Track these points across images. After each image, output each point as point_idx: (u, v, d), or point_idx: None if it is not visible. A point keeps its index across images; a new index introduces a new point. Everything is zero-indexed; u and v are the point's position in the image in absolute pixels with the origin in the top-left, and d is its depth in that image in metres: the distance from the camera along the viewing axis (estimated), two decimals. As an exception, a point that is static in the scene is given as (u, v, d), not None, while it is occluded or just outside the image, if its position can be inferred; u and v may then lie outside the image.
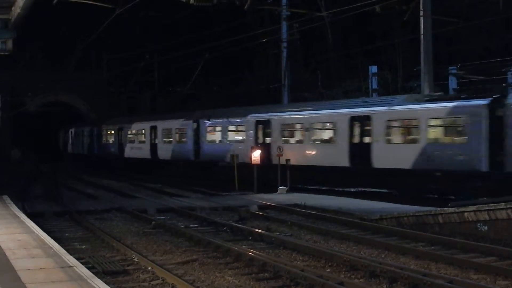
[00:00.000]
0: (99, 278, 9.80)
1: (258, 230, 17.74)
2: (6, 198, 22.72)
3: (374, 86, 36.56)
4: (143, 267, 13.18)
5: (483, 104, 22.68)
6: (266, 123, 31.91)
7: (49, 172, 47.49)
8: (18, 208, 20.12)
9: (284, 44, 39.34)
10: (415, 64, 33.43)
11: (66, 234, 17.91)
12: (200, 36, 46.72)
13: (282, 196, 27.13)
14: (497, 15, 34.00)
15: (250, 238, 17.06)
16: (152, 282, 12.03)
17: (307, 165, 29.07)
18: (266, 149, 30.78)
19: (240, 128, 33.90)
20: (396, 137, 25.86)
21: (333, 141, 28.22)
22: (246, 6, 27.72)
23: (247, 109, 34.39)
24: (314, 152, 28.88)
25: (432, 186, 24.73)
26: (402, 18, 30.04)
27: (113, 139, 48.72)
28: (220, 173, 34.91)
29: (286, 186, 28.44)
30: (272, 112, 32.23)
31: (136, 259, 13.94)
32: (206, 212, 22.74)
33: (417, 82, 34.08)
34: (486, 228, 16.43)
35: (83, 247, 15.91)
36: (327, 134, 28.98)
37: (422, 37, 29.62)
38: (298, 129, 30.38)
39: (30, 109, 63.11)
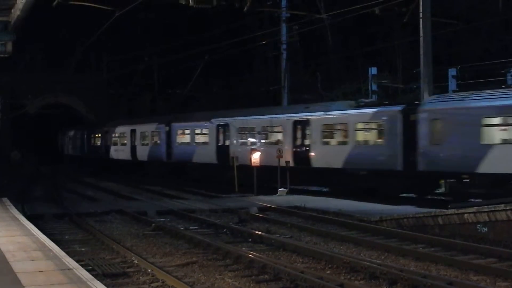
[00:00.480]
0: (99, 280, 9.80)
1: (258, 232, 17.73)
2: (5, 200, 22.73)
3: (374, 88, 36.57)
4: (143, 269, 13.17)
5: (398, 110, 25.57)
6: (225, 127, 34.74)
7: (49, 174, 47.50)
8: (18, 210, 20.13)
9: (284, 46, 39.37)
10: (414, 66, 33.44)
11: (66, 237, 17.90)
12: (200, 38, 46.74)
13: (282, 198, 27.14)
14: (497, 16, 34.03)
15: (250, 240, 17.06)
16: (152, 284, 12.03)
17: (260, 165, 30.41)
18: (225, 150, 34.03)
19: (204, 131, 36.69)
20: (330, 139, 28.85)
21: (280, 143, 30.85)
22: (245, 8, 27.75)
23: (212, 114, 37.13)
24: (264, 153, 30.31)
25: (360, 184, 26.72)
26: (402, 20, 30.05)
27: (99, 142, 52.16)
28: (189, 173, 38.11)
29: (286, 188, 28.45)
30: (231, 117, 34.83)
31: (136, 261, 13.93)
32: (206, 214, 22.74)
33: (417, 84, 34.09)
34: (486, 229, 16.43)
35: (83, 249, 15.90)
36: (275, 137, 31.92)
37: (421, 39, 29.63)
38: (251, 132, 33.07)
39: (30, 111, 63.10)
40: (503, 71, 33.81)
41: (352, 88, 43.08)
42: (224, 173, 32.95)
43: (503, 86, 31.63)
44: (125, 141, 46.26)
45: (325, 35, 45.24)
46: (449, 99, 24.98)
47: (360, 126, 27.10)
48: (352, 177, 26.55)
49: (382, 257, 14.67)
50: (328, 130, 28.72)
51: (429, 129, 24.17)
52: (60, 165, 60.99)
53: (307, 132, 29.49)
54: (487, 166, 21.94)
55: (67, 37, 60.37)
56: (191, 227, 19.69)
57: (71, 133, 61.60)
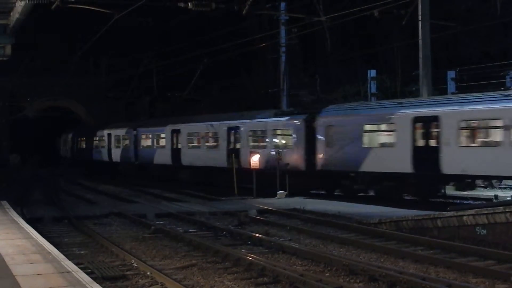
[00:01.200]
0: (98, 283, 9.79)
1: (257, 235, 17.74)
2: (5, 203, 22.70)
3: (373, 90, 36.59)
4: (142, 272, 13.17)
5: (302, 119, 29.96)
6: (178, 132, 39.20)
7: (48, 177, 47.51)
8: (17, 213, 20.10)
9: (283, 49, 39.38)
10: (414, 68, 33.47)
11: (65, 239, 17.90)
12: (199, 41, 46.75)
13: (281, 200, 27.14)
14: (495, 19, 34.05)
15: (249, 242, 17.06)
16: (151, 287, 12.03)
17: (201, 165, 36.61)
18: (177, 153, 38.87)
19: (162, 135, 41.34)
20: (254, 144, 33.01)
21: (217, 147, 35.52)
22: (244, 11, 27.75)
23: (168, 120, 42.29)
24: (205, 156, 36.06)
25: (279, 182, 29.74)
26: (401, 22, 30.05)
27: (84, 145, 56.68)
28: (152, 173, 43.31)
29: (285, 191, 28.46)
30: (182, 123, 39.44)
31: (135, 264, 13.93)
32: (205, 216, 22.74)
33: (416, 86, 34.12)
34: (485, 231, 16.44)
35: (82, 252, 15.90)
36: (214, 141, 36.13)
37: (420, 41, 29.67)
38: (197, 137, 37.67)
39: (29, 114, 63.16)
40: (502, 74, 33.82)
41: (352, 91, 43.11)
42: (177, 173, 39.71)
43: (502, 88, 31.70)
44: (104, 144, 50.54)
45: (324, 38, 45.22)
46: (341, 109, 29.50)
47: (276, 132, 31.66)
48: (272, 177, 29.49)
49: (381, 260, 14.67)
50: (254, 136, 33.19)
51: (324, 134, 28.63)
52: (59, 168, 61.04)
53: (237, 136, 33.85)
54: (366, 166, 26.09)
55: (66, 40, 60.36)
56: (190, 230, 19.69)
57: (64, 136, 64.73)
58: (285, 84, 39.48)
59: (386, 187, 26.02)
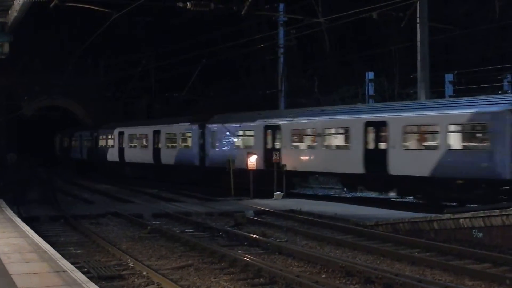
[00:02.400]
0: (94, 283, 9.78)
1: (254, 236, 17.72)
2: (1, 202, 22.65)
3: (371, 92, 36.63)
4: (139, 272, 13.16)
5: (198, 124, 37.30)
6: (122, 134, 46.84)
7: (45, 176, 47.46)
8: (14, 212, 20.07)
9: (281, 50, 39.39)
10: (412, 71, 33.50)
11: (61, 239, 17.88)
12: (197, 41, 46.76)
13: (278, 201, 27.14)
14: (494, 23, 34.12)
15: (246, 243, 17.05)
16: (147, 287, 12.02)
17: (138, 162, 44.05)
18: (122, 151, 46.37)
19: (110, 137, 49.42)
20: (168, 144, 40.54)
21: (147, 147, 43.11)
22: (243, 12, 27.73)
23: (116, 124, 49.87)
24: (140, 154, 43.72)
25: (186, 176, 38.19)
26: (399, 25, 30.07)
27: (66, 144, 63.51)
28: (106, 168, 50.58)
29: (282, 192, 28.47)
30: (126, 126, 47.34)
31: (131, 264, 13.92)
32: (202, 217, 22.73)
33: (414, 89, 34.16)
34: (481, 234, 16.46)
35: (78, 251, 15.88)
36: (146, 142, 43.37)
37: (418, 44, 29.70)
38: (136, 138, 45.08)
39: (27, 113, 63.08)
40: (499, 77, 33.88)
41: (350, 93, 43.15)
42: (122, 169, 47.61)
43: (499, 92, 31.72)
44: (77, 144, 58.55)
45: (323, 39, 45.26)
46: (224, 118, 36.11)
47: (183, 135, 39.18)
48: (186, 172, 37.56)
49: (378, 262, 14.67)
50: (170, 138, 40.56)
51: (210, 137, 36.12)
52: (56, 167, 61.04)
53: (161, 138, 41.22)
54: (238, 164, 31.13)
55: (64, 39, 60.32)
56: (187, 230, 19.68)
57: (59, 136, 68.07)
58: (283, 85, 39.50)
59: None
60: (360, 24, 39.24)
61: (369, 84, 36.88)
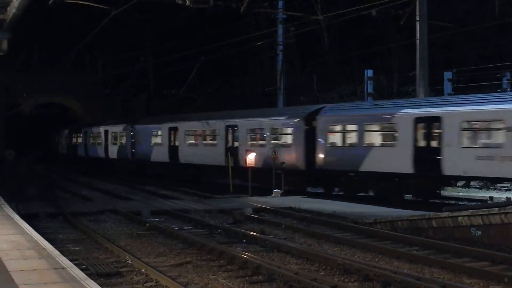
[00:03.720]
0: (92, 280, 9.76)
1: (252, 233, 17.73)
2: (0, 199, 22.64)
3: (370, 90, 36.61)
4: (137, 269, 13.15)
5: (129, 126, 45.00)
6: (86, 132, 54.48)
7: (43, 173, 47.43)
8: (12, 209, 20.05)
9: (280, 47, 39.36)
10: (411, 68, 33.48)
11: (60, 236, 17.87)
12: (196, 39, 46.70)
13: (276, 199, 27.12)
14: (493, 21, 34.10)
15: (244, 241, 17.04)
16: (145, 284, 12.01)
17: (102, 157, 50.14)
18: (94, 148, 52.26)
19: (80, 135, 56.46)
20: (114, 141, 47.89)
21: (100, 144, 50.42)
22: (242, 9, 27.70)
23: (86, 123, 57.23)
24: (101, 149, 50.26)
25: (124, 168, 46.63)
26: (399, 22, 30.07)
27: (56, 141, 69.42)
28: (79, 160, 56.94)
29: (280, 189, 28.43)
30: (90, 127, 54.12)
31: (129, 261, 13.91)
32: (200, 214, 22.70)
33: (413, 87, 34.15)
34: (479, 232, 16.46)
35: (77, 248, 15.87)
36: (100, 140, 50.62)
37: (418, 41, 29.68)
38: (93, 136, 52.34)
39: (25, 110, 63.01)
40: (498, 75, 33.85)
41: (348, 90, 43.12)
42: (87, 163, 54.31)
43: (498, 90, 31.69)
44: (63, 141, 64.84)
45: (322, 37, 45.22)
46: (147, 121, 44.20)
47: (120, 134, 46.71)
48: (125, 164, 46.16)
49: (376, 259, 14.68)
50: (114, 136, 47.51)
51: (135, 136, 43.87)
52: (54, 164, 60.99)
53: (108, 136, 48.75)
54: (154, 158, 40.67)
55: (63, 36, 60.23)
56: (185, 227, 19.66)
57: (54, 134, 71.08)
58: (282, 83, 39.47)
59: (166, 172, 40.07)
60: (359, 21, 39.21)
61: (368, 82, 36.85)
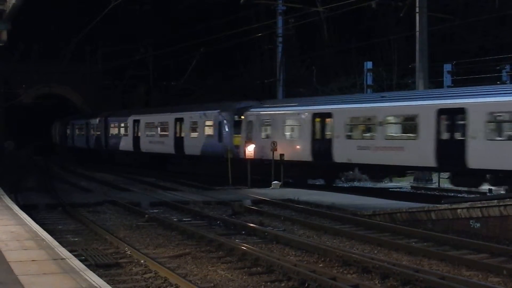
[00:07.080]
0: (91, 270, 9.77)
1: (251, 225, 17.74)
2: (-1, 190, 22.65)
3: (369, 82, 36.58)
4: (136, 260, 13.16)
5: (103, 119, 49.65)
6: (65, 124, 61.22)
7: (42, 164, 47.44)
8: (11, 199, 20.05)
9: (280, 39, 39.28)
10: (410, 60, 33.44)
11: (59, 227, 17.88)
12: (196, 30, 46.61)
13: (275, 191, 27.14)
14: (493, 13, 34.05)
15: (243, 232, 17.06)
16: (144, 275, 12.02)
17: (79, 146, 56.28)
18: (79, 139, 56.67)
19: (63, 127, 62.45)
20: (79, 133, 55.75)
21: (86, 135, 54.93)
22: (242, 1, 27.67)
23: (71, 118, 60.67)
24: (79, 139, 56.57)
25: (99, 157, 51.98)
26: (398, 14, 30.03)
27: (53, 132, 71.07)
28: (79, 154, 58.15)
29: (279, 181, 28.46)
30: (74, 120, 59.26)
31: (128, 252, 13.92)
32: (199, 206, 22.71)
33: (412, 79, 34.12)
34: (478, 225, 16.48)
35: (76, 239, 15.88)
36: (83, 131, 55.54)
37: (417, 33, 29.65)
38: (78, 128, 57.46)
39: (24, 101, 62.95)
40: (498, 67, 33.80)
41: (348, 82, 43.08)
42: (87, 154, 55.73)
43: (498, 82, 31.63)
44: (56, 133, 67.61)
45: (321, 29, 45.19)
46: (118, 113, 49.09)
47: (96, 126, 51.58)
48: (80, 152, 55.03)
49: (375, 251, 14.69)
50: (93, 128, 52.42)
51: (107, 128, 48.64)
52: (54, 155, 61.00)
53: (89, 128, 53.64)
54: (122, 147, 45.71)
55: (62, 27, 60.14)
56: (184, 219, 19.68)
57: (54, 125, 71.94)
58: (281, 75, 39.43)
59: (131, 160, 45.45)
60: (359, 13, 39.14)
61: (368, 74, 36.80)
